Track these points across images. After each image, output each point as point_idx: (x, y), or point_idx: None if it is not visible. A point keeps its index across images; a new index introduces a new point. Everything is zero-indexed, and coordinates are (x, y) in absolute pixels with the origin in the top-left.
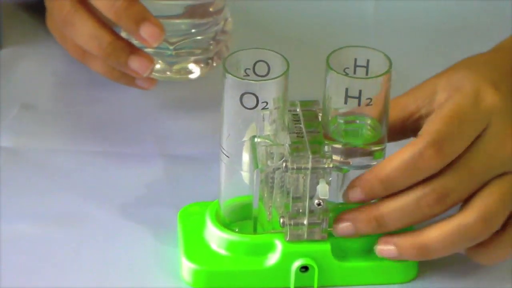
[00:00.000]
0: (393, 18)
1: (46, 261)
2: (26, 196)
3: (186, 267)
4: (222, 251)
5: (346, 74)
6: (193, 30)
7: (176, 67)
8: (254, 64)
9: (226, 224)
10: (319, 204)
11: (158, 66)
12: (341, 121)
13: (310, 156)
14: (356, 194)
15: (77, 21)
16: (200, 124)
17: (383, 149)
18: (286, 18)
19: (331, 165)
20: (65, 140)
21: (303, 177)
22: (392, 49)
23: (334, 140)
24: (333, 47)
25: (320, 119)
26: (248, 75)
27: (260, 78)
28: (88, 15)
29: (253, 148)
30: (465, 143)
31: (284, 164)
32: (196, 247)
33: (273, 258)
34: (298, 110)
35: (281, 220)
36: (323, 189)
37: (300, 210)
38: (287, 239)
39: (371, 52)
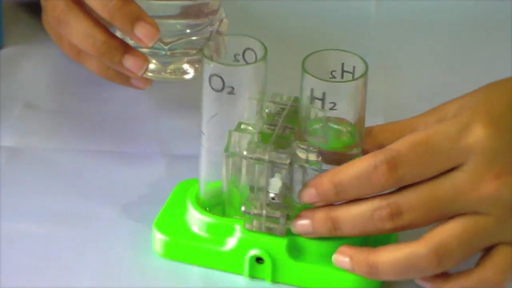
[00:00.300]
0: (395, 18)
1: (48, 261)
2: (27, 196)
3: (156, 237)
4: (194, 228)
5: (319, 78)
6: (188, 31)
7: (171, 67)
8: (244, 51)
9: (205, 205)
10: (273, 199)
11: (152, 66)
12: (317, 125)
13: (268, 149)
14: (310, 194)
15: (71, 20)
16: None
17: (358, 155)
18: (286, 18)
19: (287, 161)
20: (66, 139)
21: (260, 169)
22: (393, 49)
23: (306, 141)
24: (333, 46)
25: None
26: (238, 61)
27: (231, 64)
28: (82, 14)
29: (229, 134)
30: (428, 172)
31: (244, 152)
32: (170, 218)
33: (231, 243)
34: (287, 105)
35: (242, 208)
36: (274, 184)
37: (260, 202)
38: (245, 226)
39: (349, 56)
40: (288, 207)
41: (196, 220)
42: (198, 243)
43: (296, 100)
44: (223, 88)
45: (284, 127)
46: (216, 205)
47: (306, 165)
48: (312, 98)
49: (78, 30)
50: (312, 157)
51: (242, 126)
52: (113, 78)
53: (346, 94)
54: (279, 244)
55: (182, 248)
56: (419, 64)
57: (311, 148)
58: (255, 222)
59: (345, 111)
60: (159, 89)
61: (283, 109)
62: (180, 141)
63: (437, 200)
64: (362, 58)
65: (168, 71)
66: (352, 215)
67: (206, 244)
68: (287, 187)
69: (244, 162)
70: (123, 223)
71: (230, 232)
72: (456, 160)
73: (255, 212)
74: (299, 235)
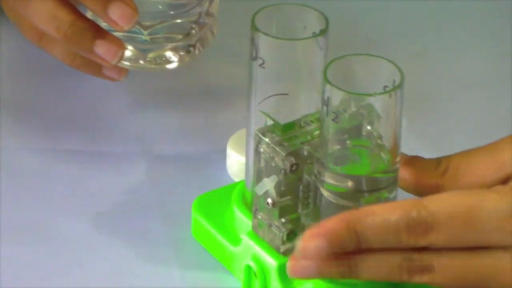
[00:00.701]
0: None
1: (8, 281)
2: None
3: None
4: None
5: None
6: (171, 12)
7: (151, 55)
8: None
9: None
10: (268, 204)
11: (129, 54)
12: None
13: (265, 140)
14: (316, 243)
15: None
16: (190, 118)
17: (391, 184)
18: None
19: (287, 164)
20: (29, 136)
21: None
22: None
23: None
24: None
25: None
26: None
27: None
28: None
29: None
30: (465, 244)
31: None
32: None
33: (240, 244)
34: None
35: (253, 207)
36: (265, 185)
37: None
38: (253, 228)
39: (378, 61)
40: (293, 222)
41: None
42: (217, 232)
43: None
44: (255, 58)
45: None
46: None
47: (322, 187)
48: (336, 112)
49: (41, 10)
50: (335, 180)
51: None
52: (82, 67)
53: (378, 109)
54: (271, 264)
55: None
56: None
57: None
58: (258, 227)
59: (376, 130)
60: (141, 79)
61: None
62: (164, 139)
63: (475, 272)
64: (396, 65)
65: (148, 59)
66: (377, 261)
67: (222, 237)
68: (292, 198)
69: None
70: (94, 238)
71: (243, 229)
72: (500, 242)
73: (262, 215)
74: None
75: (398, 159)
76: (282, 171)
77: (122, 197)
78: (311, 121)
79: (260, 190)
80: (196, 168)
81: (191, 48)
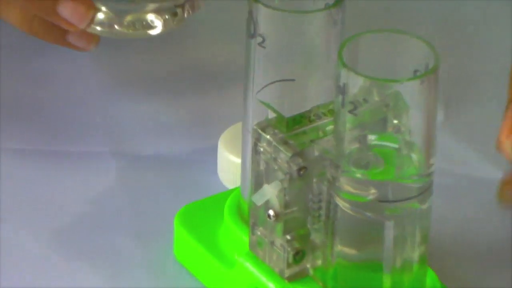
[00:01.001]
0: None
1: None
2: None
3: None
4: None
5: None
6: None
7: (128, 18)
8: None
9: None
10: (268, 216)
11: (101, 16)
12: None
13: (266, 137)
14: None
15: None
16: (172, 110)
17: (424, 192)
18: None
19: (294, 167)
20: None
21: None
22: None
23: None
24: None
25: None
26: None
27: None
28: None
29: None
30: None
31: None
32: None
33: (235, 267)
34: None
35: (251, 220)
36: (266, 193)
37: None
38: (250, 247)
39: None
40: (301, 239)
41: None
42: (206, 252)
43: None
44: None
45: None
46: None
47: (337, 195)
48: (354, 102)
49: None
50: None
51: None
52: (41, 33)
53: (407, 99)
54: None
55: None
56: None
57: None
58: (257, 246)
59: (405, 124)
60: (107, 58)
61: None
62: (138, 136)
63: None
64: (429, 44)
65: (125, 23)
66: None
67: (212, 258)
68: (300, 209)
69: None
70: (51, 258)
71: (238, 248)
72: None
73: (262, 231)
74: None
75: (432, 160)
76: (287, 176)
77: (87, 207)
78: (323, 114)
79: (259, 199)
80: (180, 172)
81: (179, 10)
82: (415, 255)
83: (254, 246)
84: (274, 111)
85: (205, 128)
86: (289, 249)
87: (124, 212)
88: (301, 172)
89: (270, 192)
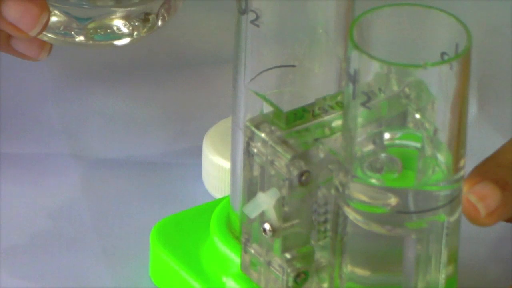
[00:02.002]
0: None
1: None
2: None
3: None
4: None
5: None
6: None
7: (91, 25)
8: None
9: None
10: (264, 230)
11: (54, 19)
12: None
13: (269, 142)
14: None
15: None
16: (146, 104)
17: (452, 201)
18: None
19: (295, 172)
20: None
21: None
22: None
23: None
24: None
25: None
26: None
27: None
28: None
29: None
30: None
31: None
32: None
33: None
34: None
35: (242, 237)
36: (261, 203)
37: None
38: (242, 268)
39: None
40: (303, 259)
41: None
42: (187, 274)
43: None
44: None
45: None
46: None
47: (347, 205)
48: (367, 93)
49: None
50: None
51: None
52: None
53: (432, 88)
54: None
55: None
56: None
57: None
58: (251, 269)
59: (430, 119)
60: (67, 53)
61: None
62: (105, 135)
63: None
64: (459, 21)
65: (87, 31)
66: None
67: (195, 280)
68: (302, 223)
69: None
70: (5, 272)
71: (227, 269)
72: None
73: (255, 248)
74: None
75: (462, 162)
76: (286, 183)
77: (44, 220)
78: (330, 107)
79: (252, 211)
80: (156, 179)
81: (151, 17)
82: (441, 277)
83: (247, 266)
84: (271, 104)
85: (186, 126)
86: (289, 270)
87: (89, 226)
88: (303, 178)
89: (266, 202)
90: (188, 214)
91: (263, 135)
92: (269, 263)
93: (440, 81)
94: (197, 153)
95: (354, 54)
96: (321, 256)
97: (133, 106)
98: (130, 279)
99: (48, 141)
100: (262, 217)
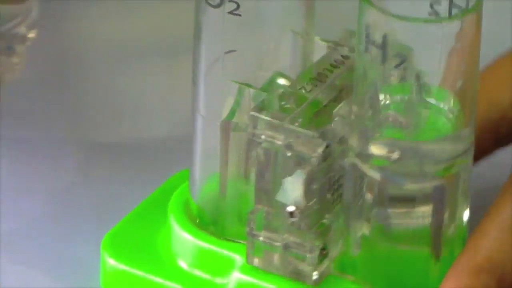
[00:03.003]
0: None
1: None
2: None
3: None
4: (179, 260)
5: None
6: None
7: None
8: None
9: (202, 220)
10: (291, 214)
11: None
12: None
13: (286, 121)
14: None
15: None
16: (137, 87)
17: (466, 155)
18: None
19: (319, 149)
20: None
21: (272, 158)
22: None
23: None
24: None
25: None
26: None
27: None
28: None
29: (238, 90)
30: None
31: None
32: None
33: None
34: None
35: (248, 226)
36: (290, 188)
37: (270, 217)
38: (248, 261)
39: None
40: (323, 234)
41: (182, 244)
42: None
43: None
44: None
45: (338, 90)
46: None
47: (364, 166)
48: (383, 52)
49: None
50: (379, 150)
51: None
52: None
53: (443, 45)
54: None
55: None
56: None
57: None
58: (266, 256)
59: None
60: (65, 39)
61: (342, 60)
62: (99, 123)
63: None
64: None
65: None
66: None
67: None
68: (321, 198)
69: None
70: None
71: (227, 267)
72: None
73: (268, 236)
74: None
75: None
76: (313, 161)
77: (40, 206)
78: (328, 70)
79: (288, 197)
80: (156, 164)
81: None
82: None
83: (252, 257)
84: (247, 86)
85: (187, 111)
86: (314, 248)
87: (87, 211)
88: (327, 152)
89: (296, 184)
90: (132, 217)
91: (275, 120)
92: (286, 246)
93: (453, 33)
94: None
95: (379, 18)
96: (335, 225)
97: (132, 90)
98: None
99: (46, 126)
100: (283, 202)
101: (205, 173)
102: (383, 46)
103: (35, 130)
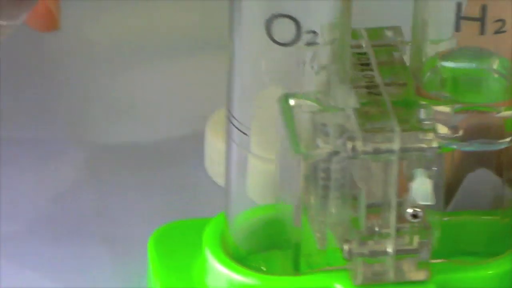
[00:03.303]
0: None
1: None
2: None
3: None
4: None
5: None
6: None
7: None
8: None
9: (241, 257)
10: (415, 216)
11: None
12: (446, 64)
13: (397, 130)
14: None
15: None
16: (142, 87)
17: None
18: None
19: (435, 145)
20: None
21: (385, 169)
22: None
23: (434, 98)
24: None
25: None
26: None
27: None
28: None
29: (288, 117)
30: None
31: (350, 145)
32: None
33: None
34: (364, 45)
35: (346, 248)
36: (423, 188)
37: (378, 229)
38: (357, 282)
39: None
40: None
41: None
42: None
43: (372, 32)
44: (298, 38)
45: (389, 85)
46: (255, 253)
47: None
48: (458, 21)
49: None
50: (454, 128)
51: (294, 102)
52: None
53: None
54: None
55: None
56: None
57: (448, 110)
58: (374, 269)
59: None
60: (68, 37)
61: (362, 54)
62: (102, 123)
63: None
64: None
65: None
66: None
67: None
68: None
69: (341, 165)
70: (4, 259)
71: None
72: None
73: (372, 250)
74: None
75: None
76: (433, 157)
77: (44, 208)
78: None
79: (421, 198)
80: (158, 165)
81: None
82: None
83: (359, 277)
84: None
85: (189, 111)
86: (428, 242)
87: (90, 213)
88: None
89: (425, 185)
90: (187, 223)
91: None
92: (398, 251)
93: None
94: (200, 138)
95: None
96: None
97: (135, 91)
98: (131, 266)
99: (49, 126)
100: (406, 205)
101: (243, 207)
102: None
103: (37, 131)
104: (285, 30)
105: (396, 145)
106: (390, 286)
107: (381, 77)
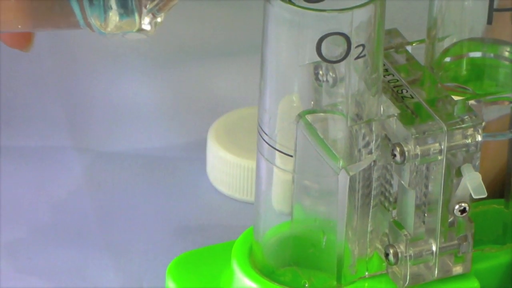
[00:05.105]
0: None
1: None
2: None
3: None
4: None
5: None
6: None
7: (113, 18)
8: None
9: (271, 272)
10: (463, 211)
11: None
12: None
13: (445, 129)
14: None
15: None
16: (145, 95)
17: None
18: None
19: (479, 139)
20: None
21: (432, 168)
22: None
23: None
24: None
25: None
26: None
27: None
28: None
29: (313, 134)
30: None
31: (400, 152)
32: None
33: None
34: None
35: (390, 251)
36: (474, 182)
37: (424, 229)
38: (403, 284)
39: None
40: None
41: None
42: None
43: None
44: (347, 54)
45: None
46: (284, 266)
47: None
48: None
49: None
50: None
51: (311, 116)
52: None
53: None
54: None
55: None
56: None
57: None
58: (420, 270)
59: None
60: (69, 44)
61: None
62: (104, 131)
63: None
64: None
65: (110, 25)
66: None
67: None
68: None
69: (382, 172)
70: (6, 266)
71: None
72: None
73: (419, 251)
74: None
75: None
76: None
77: (45, 215)
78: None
79: (480, 190)
80: (160, 172)
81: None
82: None
83: (403, 279)
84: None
85: (191, 119)
86: (470, 234)
87: (91, 220)
88: None
89: (475, 178)
90: (204, 251)
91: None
92: (442, 248)
93: None
94: (202, 146)
95: None
96: None
97: (137, 98)
98: (133, 273)
99: (50, 134)
100: (453, 202)
101: (274, 222)
102: None
103: (38, 138)
104: (329, 47)
105: (444, 145)
106: (434, 284)
107: (404, 80)
